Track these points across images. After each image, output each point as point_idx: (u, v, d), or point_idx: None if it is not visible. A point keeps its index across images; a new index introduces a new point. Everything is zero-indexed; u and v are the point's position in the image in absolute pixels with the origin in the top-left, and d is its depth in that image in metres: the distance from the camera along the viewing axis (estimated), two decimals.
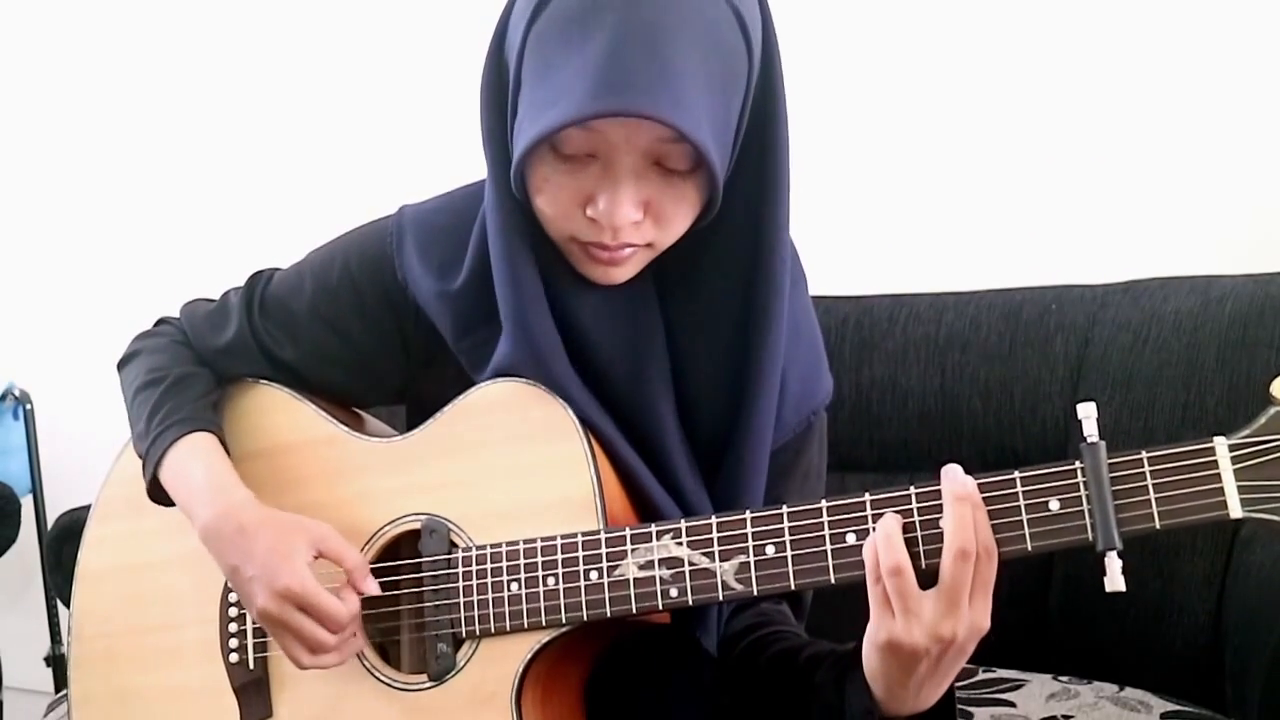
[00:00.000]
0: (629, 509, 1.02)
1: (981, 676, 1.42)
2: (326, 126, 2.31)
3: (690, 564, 0.94)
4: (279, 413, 1.16)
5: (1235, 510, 0.80)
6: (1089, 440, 0.84)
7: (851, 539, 0.89)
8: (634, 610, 0.95)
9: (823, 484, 1.14)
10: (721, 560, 0.93)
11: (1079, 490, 0.84)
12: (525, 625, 0.98)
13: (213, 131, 2.41)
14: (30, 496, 2.41)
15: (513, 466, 1.02)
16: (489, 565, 1.00)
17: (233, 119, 2.39)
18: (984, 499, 0.85)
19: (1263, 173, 1.68)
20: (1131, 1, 1.73)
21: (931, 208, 1.86)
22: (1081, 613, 1.45)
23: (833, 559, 0.90)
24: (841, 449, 1.42)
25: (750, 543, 0.92)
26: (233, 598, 1.12)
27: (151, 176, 2.48)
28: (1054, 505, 0.84)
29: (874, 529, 0.87)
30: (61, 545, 1.58)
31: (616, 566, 0.95)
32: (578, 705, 1.06)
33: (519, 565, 0.99)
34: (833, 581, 0.90)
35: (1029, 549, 0.84)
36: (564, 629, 0.97)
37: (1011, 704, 1.34)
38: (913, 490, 0.88)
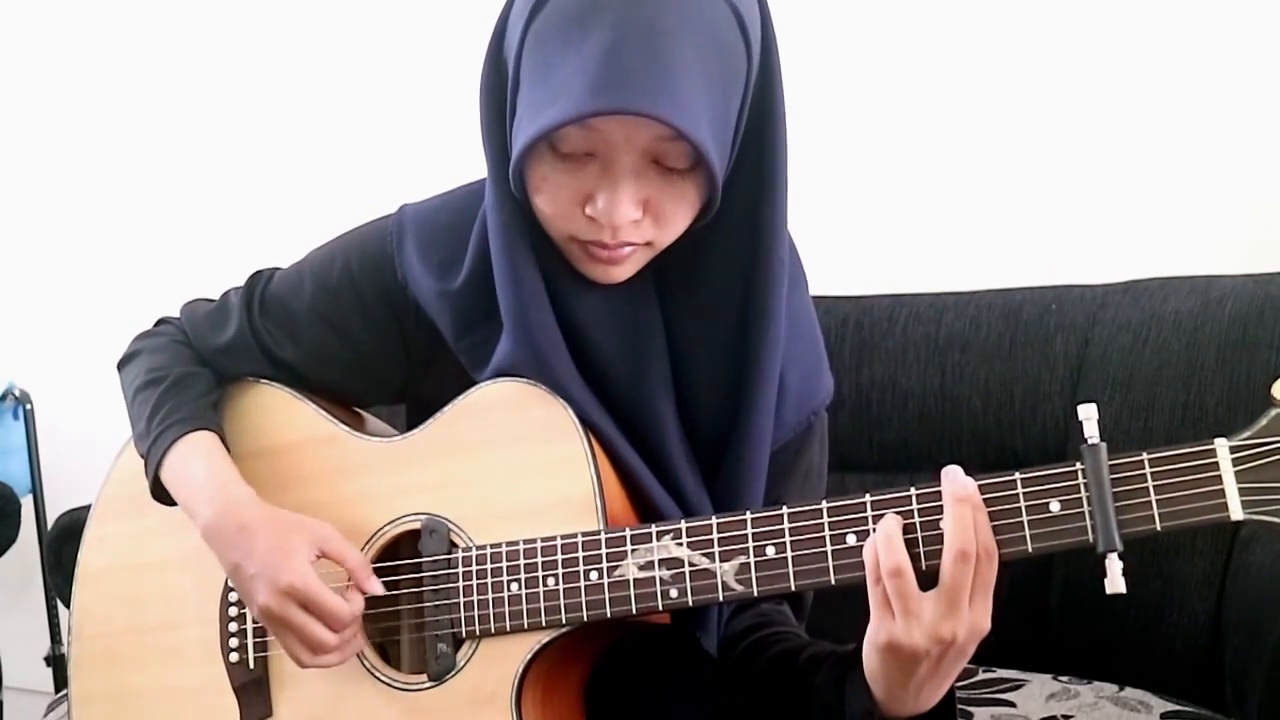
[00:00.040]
0: (629, 509, 1.02)
1: (981, 676, 1.42)
2: (326, 126, 2.31)
3: (690, 564, 0.94)
4: (279, 412, 1.16)
5: (1236, 512, 0.80)
6: (1090, 442, 0.84)
7: (852, 540, 0.89)
8: (634, 611, 0.95)
9: (823, 484, 1.14)
10: (722, 561, 0.93)
11: (1080, 492, 0.83)
12: (525, 625, 0.98)
13: (213, 132, 2.41)
14: (30, 496, 2.41)
15: (513, 466, 1.02)
16: (489, 565, 1.00)
17: (233, 119, 2.39)
18: (984, 500, 0.85)
19: (1262, 173, 1.68)
20: (1131, 1, 1.73)
21: (931, 208, 1.86)
22: (1081, 613, 1.45)
23: (833, 560, 0.90)
24: (841, 449, 1.42)
25: (750, 543, 0.92)
26: (233, 597, 1.12)
27: (151, 177, 2.48)
28: (1055, 507, 0.84)
29: (874, 530, 0.87)
30: (61, 545, 1.58)
31: (616, 567, 0.95)
32: (578, 706, 1.06)
33: (519, 565, 0.99)
34: (833, 582, 0.90)
35: (1029, 550, 0.84)
36: (564, 629, 0.97)
37: (1011, 704, 1.34)
38: (913, 491, 0.88)
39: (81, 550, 1.22)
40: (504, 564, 1.00)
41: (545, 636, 0.98)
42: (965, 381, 1.53)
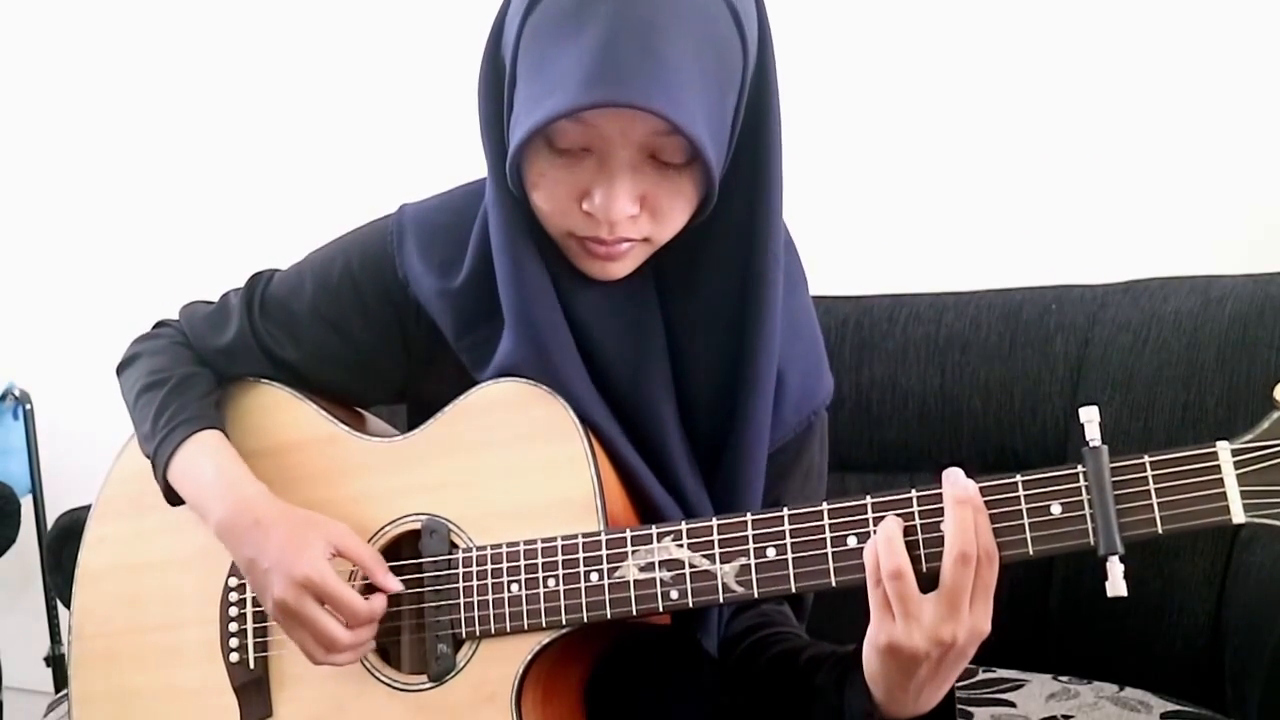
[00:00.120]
0: (629, 510, 1.02)
1: (981, 676, 1.42)
2: (326, 127, 2.30)
3: (691, 566, 0.94)
4: (280, 412, 1.16)
5: (1238, 515, 0.80)
6: (1091, 444, 0.84)
7: (852, 542, 0.89)
8: (634, 612, 0.95)
9: (824, 484, 1.14)
10: (722, 562, 0.93)
11: (1081, 494, 0.83)
12: (525, 626, 0.98)
13: (213, 132, 2.41)
14: (30, 496, 2.41)
15: (513, 467, 1.02)
16: (489, 566, 1.00)
17: (233, 119, 2.39)
18: (985, 502, 0.85)
19: (1262, 173, 1.68)
20: (1131, 1, 1.73)
21: (931, 208, 1.86)
22: (1081, 613, 1.45)
23: (833, 562, 0.90)
24: (841, 449, 1.42)
25: (751, 545, 0.92)
26: (233, 597, 1.12)
27: (151, 177, 2.48)
28: (1056, 509, 0.84)
29: (875, 532, 0.87)
30: (61, 545, 1.58)
31: (617, 568, 0.95)
32: (578, 706, 1.06)
33: (519, 566, 0.99)
34: (834, 584, 0.90)
35: (1030, 553, 0.84)
36: (564, 630, 0.97)
37: (1011, 704, 1.34)
38: (914, 493, 0.88)
39: (81, 550, 1.22)
40: (504, 565, 1.00)
41: (545, 637, 0.98)
42: (965, 381, 1.53)
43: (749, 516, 0.93)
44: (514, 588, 0.99)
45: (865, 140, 1.89)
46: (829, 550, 0.90)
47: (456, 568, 1.02)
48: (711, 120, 0.91)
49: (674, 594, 0.94)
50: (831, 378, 1.14)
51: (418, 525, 1.05)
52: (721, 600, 0.93)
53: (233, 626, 1.12)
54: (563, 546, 0.97)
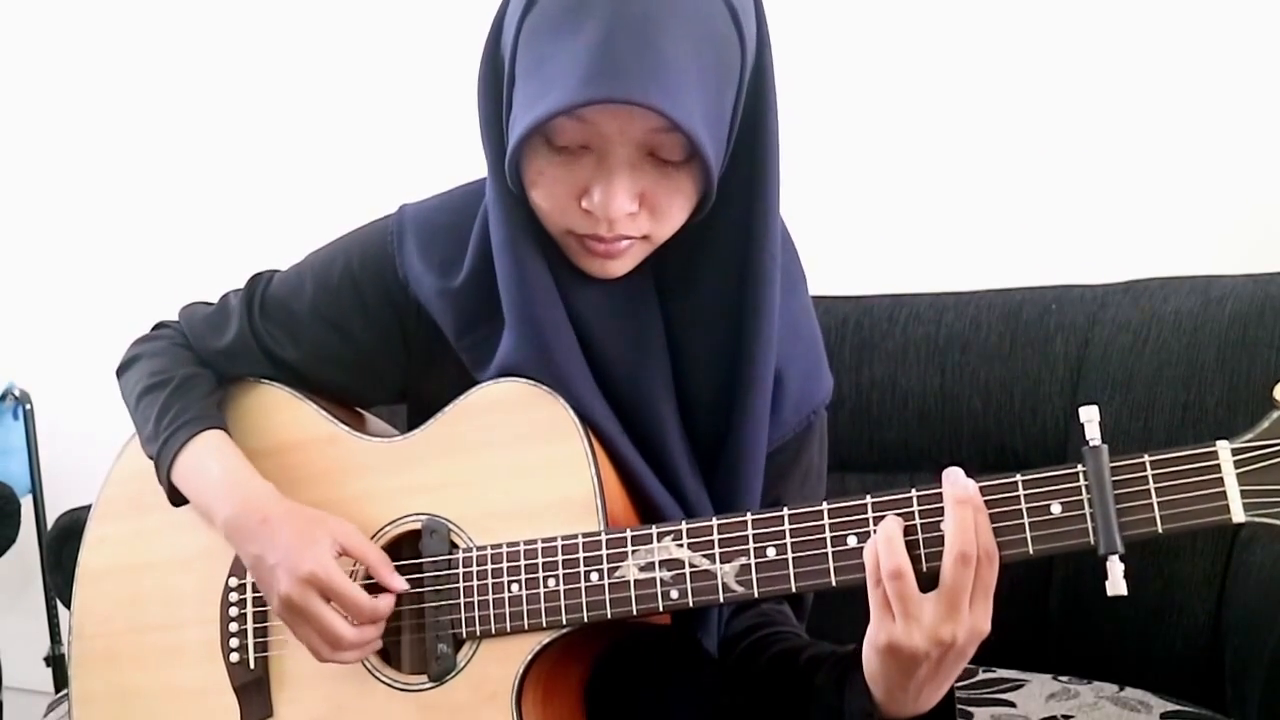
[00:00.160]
0: (630, 509, 1.02)
1: (981, 676, 1.42)
2: (326, 127, 2.30)
3: (691, 566, 0.94)
4: (280, 412, 1.16)
5: (1238, 514, 0.80)
6: (1091, 443, 0.84)
7: (852, 541, 0.89)
8: (634, 612, 0.95)
9: (823, 484, 1.14)
10: (722, 562, 0.93)
11: (1081, 494, 0.83)
12: (526, 626, 0.98)
13: (212, 132, 2.41)
14: (30, 496, 2.41)
15: (513, 467, 1.02)
16: (489, 566, 1.00)
17: (232, 120, 2.39)
18: (985, 502, 0.85)
19: (1262, 173, 1.68)
20: (1131, 2, 1.73)
21: (931, 208, 1.86)
22: (1081, 613, 1.45)
23: (834, 561, 0.90)
24: (841, 449, 1.42)
25: (751, 545, 0.92)
26: (233, 597, 1.12)
27: (151, 177, 2.47)
28: (1056, 509, 0.84)
29: (875, 531, 0.87)
30: (61, 545, 1.58)
31: (617, 568, 0.95)
32: (578, 706, 1.06)
33: (519, 566, 0.99)
34: (834, 584, 0.90)
35: (1030, 552, 0.84)
36: (564, 630, 0.97)
37: (1011, 704, 1.34)
38: (914, 493, 0.88)
39: (82, 551, 1.22)
40: (504, 564, 1.00)
41: (546, 637, 0.98)
42: (965, 381, 1.53)
43: (749, 516, 0.93)
44: (514, 588, 0.99)
45: (865, 140, 1.89)
46: (829, 550, 0.90)
47: (457, 567, 1.02)
48: (710, 117, 0.91)
49: (674, 593, 0.94)
50: (831, 377, 1.14)
51: (418, 525, 1.05)
52: (722, 600, 0.93)
53: (233, 627, 1.12)
54: (563, 546, 0.97)
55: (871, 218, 1.89)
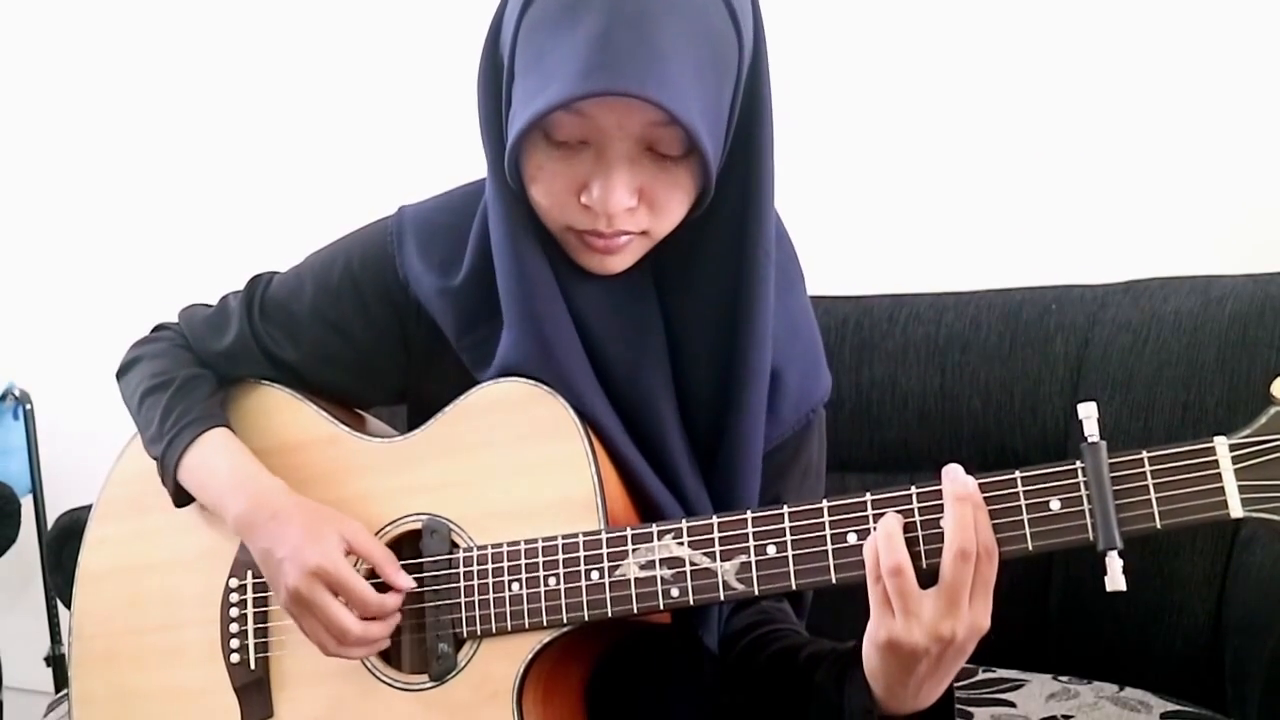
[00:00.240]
0: (630, 508, 1.03)
1: (981, 676, 1.42)
2: (326, 128, 2.30)
3: (691, 564, 0.94)
4: (281, 413, 1.16)
5: (1236, 510, 0.80)
6: (1090, 440, 0.84)
7: (852, 539, 0.89)
8: (635, 610, 0.95)
9: (822, 482, 1.14)
10: (723, 560, 0.93)
11: (1080, 490, 0.84)
12: (526, 625, 0.98)
13: (213, 134, 2.41)
14: (30, 496, 2.41)
15: (514, 466, 1.02)
16: (490, 565, 1.00)
17: (233, 121, 2.39)
18: (985, 499, 0.85)
19: (1262, 173, 1.68)
20: (1131, 2, 1.73)
21: (931, 208, 1.86)
22: (1081, 613, 1.45)
23: (834, 559, 0.90)
24: (841, 449, 1.42)
25: (751, 542, 0.92)
26: (234, 598, 1.12)
27: (151, 178, 2.48)
28: (1055, 505, 0.84)
29: (875, 529, 0.87)
30: (61, 545, 1.58)
31: (618, 566, 0.95)
32: (579, 705, 1.06)
33: (520, 565, 0.99)
34: (834, 581, 0.90)
35: (1030, 549, 0.85)
36: (565, 629, 0.98)
37: (1011, 704, 1.33)
38: (914, 490, 0.88)
39: (82, 551, 1.22)
40: (505, 564, 1.00)
41: (546, 636, 0.98)
42: (965, 381, 1.53)
43: (749, 514, 0.93)
44: (515, 587, 0.99)
45: (865, 140, 1.89)
46: (829, 547, 0.90)
47: (457, 567, 1.02)
48: (708, 112, 0.92)
49: (675, 592, 0.94)
50: (830, 376, 1.14)
51: (418, 525, 1.05)
52: (722, 598, 0.93)
53: (233, 627, 1.12)
54: (563, 545, 0.98)
55: (871, 218, 1.89)
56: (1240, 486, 0.80)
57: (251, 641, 1.11)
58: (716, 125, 0.94)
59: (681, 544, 0.94)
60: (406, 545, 1.06)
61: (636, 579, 0.95)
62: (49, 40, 2.54)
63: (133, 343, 1.24)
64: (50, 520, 2.19)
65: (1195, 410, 1.41)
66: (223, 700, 1.11)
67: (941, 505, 0.85)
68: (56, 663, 2.33)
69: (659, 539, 0.95)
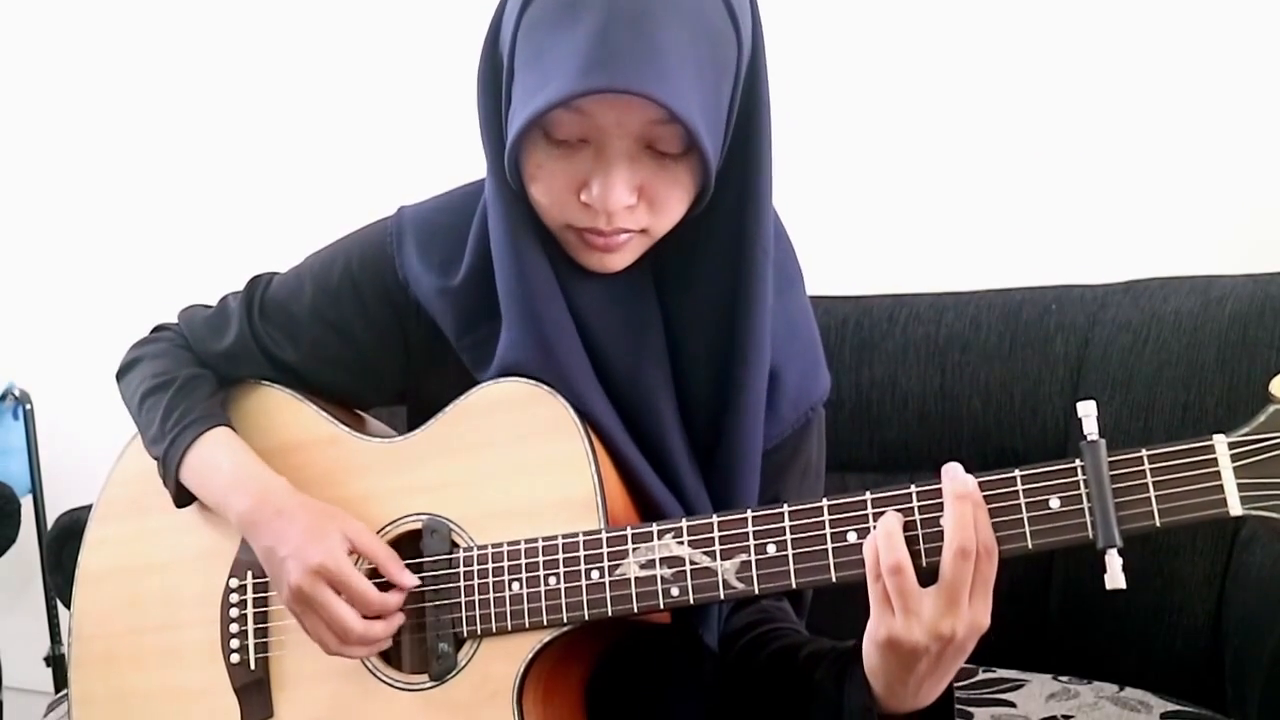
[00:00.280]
0: (630, 507, 1.03)
1: (981, 676, 1.42)
2: (326, 129, 2.31)
3: (691, 563, 0.94)
4: (280, 413, 1.16)
5: (1235, 508, 0.80)
6: (1089, 438, 0.84)
7: (852, 537, 0.89)
8: (635, 609, 0.95)
9: (822, 482, 1.15)
10: (723, 559, 0.93)
11: (1079, 488, 0.84)
12: (526, 625, 0.98)
13: (213, 134, 2.41)
14: (30, 496, 2.41)
15: (514, 466, 1.02)
16: (490, 565, 1.00)
17: (233, 121, 2.39)
18: (984, 497, 0.85)
19: (1262, 173, 1.68)
20: (1131, 2, 1.73)
21: (931, 208, 1.86)
22: (1081, 613, 1.45)
23: (834, 557, 0.90)
24: (841, 449, 1.43)
25: (751, 541, 0.92)
26: (234, 598, 1.12)
27: (151, 178, 2.48)
28: (1054, 503, 0.84)
29: (875, 527, 0.87)
30: (61, 545, 1.58)
31: (618, 566, 0.96)
32: (579, 704, 1.06)
33: (520, 565, 0.99)
34: (834, 580, 0.90)
35: (1029, 547, 0.85)
36: (565, 628, 0.98)
37: (1011, 704, 1.34)
38: (914, 489, 0.88)
39: (82, 552, 1.22)
40: (505, 564, 1.00)
41: (547, 635, 0.98)
42: (965, 381, 1.53)
43: (749, 513, 0.93)
44: (515, 586, 0.99)
45: (865, 140, 1.89)
46: (829, 546, 0.90)
47: (457, 567, 1.02)
48: (707, 109, 0.92)
49: (675, 591, 0.94)
50: (829, 375, 1.14)
51: (419, 525, 1.05)
52: (722, 597, 0.93)
53: (233, 628, 1.12)
54: (563, 545, 0.98)
55: (871, 218, 1.89)
56: (1239, 484, 0.80)
57: (251, 642, 1.11)
58: (716, 123, 0.94)
59: (681, 543, 0.94)
60: (407, 545, 1.06)
61: (637, 578, 0.95)
62: (49, 41, 2.54)
63: (133, 343, 1.24)
64: (50, 520, 2.19)
65: (1195, 410, 1.41)
66: (223, 701, 1.11)
67: (941, 504, 0.85)
68: (56, 663, 2.33)
69: (659, 538, 0.95)
